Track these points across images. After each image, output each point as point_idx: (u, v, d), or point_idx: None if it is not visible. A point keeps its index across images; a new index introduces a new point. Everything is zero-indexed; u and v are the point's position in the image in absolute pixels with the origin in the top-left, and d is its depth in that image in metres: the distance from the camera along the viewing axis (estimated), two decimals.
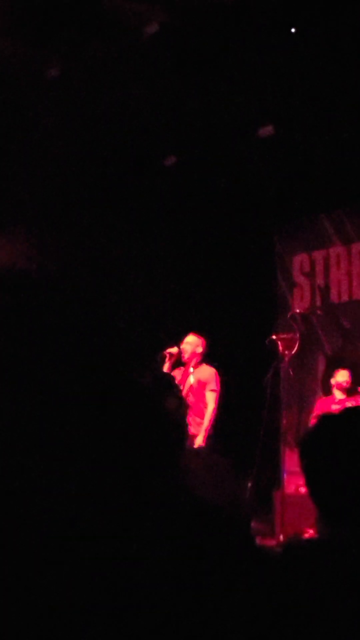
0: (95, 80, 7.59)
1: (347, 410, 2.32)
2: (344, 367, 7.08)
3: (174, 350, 6.51)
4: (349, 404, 6.84)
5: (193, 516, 1.45)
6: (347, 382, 6.94)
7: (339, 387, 6.96)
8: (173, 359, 6.51)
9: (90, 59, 7.44)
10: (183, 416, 5.79)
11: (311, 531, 6.37)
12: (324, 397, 7.19)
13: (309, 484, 1.86)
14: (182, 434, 2.27)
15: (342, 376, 6.97)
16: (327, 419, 2.03)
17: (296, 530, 6.50)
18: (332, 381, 7.03)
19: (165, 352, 6.49)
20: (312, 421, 6.95)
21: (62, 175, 8.41)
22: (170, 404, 2.42)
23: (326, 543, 1.82)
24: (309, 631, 1.53)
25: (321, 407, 7.09)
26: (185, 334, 6.63)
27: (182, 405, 5.83)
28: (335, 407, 6.77)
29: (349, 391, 6.94)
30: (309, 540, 2.12)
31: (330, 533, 1.88)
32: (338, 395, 6.99)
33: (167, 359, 6.48)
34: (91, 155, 8.29)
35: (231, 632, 1.22)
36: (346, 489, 1.81)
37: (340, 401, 6.94)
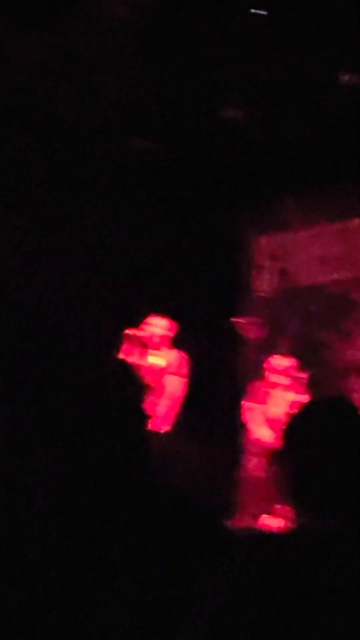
0: (64, 62, 7.48)
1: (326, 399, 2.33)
2: (283, 353, 7.31)
3: (137, 332, 6.49)
4: (288, 388, 7.01)
5: (162, 501, 1.42)
6: (287, 366, 7.12)
7: (277, 371, 7.11)
8: (136, 342, 6.48)
9: (53, 39, 7.33)
10: (143, 402, 5.77)
11: (273, 514, 6.42)
12: (258, 381, 7.25)
13: (284, 474, 1.87)
14: (143, 419, 2.26)
15: (282, 360, 7.14)
16: (307, 409, 2.04)
17: (259, 511, 6.54)
18: (270, 365, 7.17)
19: (128, 335, 6.46)
20: (248, 406, 7.08)
21: (25, 151, 8.29)
22: (132, 390, 2.39)
23: (298, 532, 1.82)
24: (277, 619, 1.52)
25: (257, 390, 7.17)
26: (149, 317, 6.61)
27: (143, 392, 5.81)
28: (271, 390, 6.99)
29: (287, 375, 7.10)
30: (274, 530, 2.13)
31: (302, 523, 1.88)
32: (276, 379, 7.13)
33: (130, 342, 6.45)
34: (52, 136, 8.18)
35: (202, 618, 1.20)
36: (319, 479, 1.82)
37: (278, 385, 7.08)
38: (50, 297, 8.05)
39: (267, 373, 7.17)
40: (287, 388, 6.99)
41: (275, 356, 7.19)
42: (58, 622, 1.09)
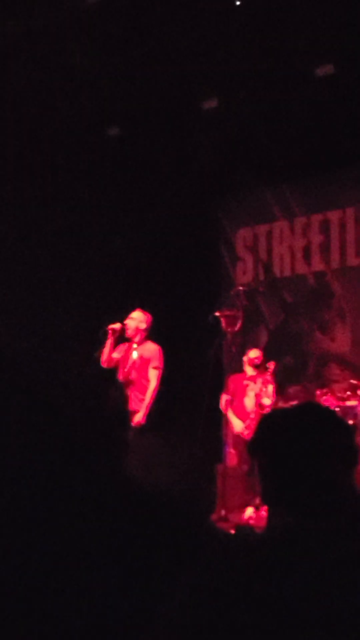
0: (37, 48, 7.43)
1: (298, 407, 2.36)
2: (254, 347, 7.38)
3: (117, 326, 6.48)
4: (259, 380, 7.09)
5: (141, 497, 1.44)
6: (258, 359, 7.19)
7: (251, 363, 7.18)
8: (116, 335, 6.48)
9: (31, 26, 7.27)
10: (124, 404, 5.80)
11: (252, 508, 6.48)
12: (235, 374, 7.31)
13: (261, 474, 1.88)
14: (124, 421, 2.29)
15: (254, 353, 7.22)
16: (277, 414, 2.05)
17: (238, 503, 6.59)
18: (245, 358, 7.24)
19: (108, 328, 6.45)
20: (222, 399, 7.15)
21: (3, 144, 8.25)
22: (112, 393, 2.42)
23: (276, 533, 1.83)
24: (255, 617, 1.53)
25: (234, 383, 7.23)
26: (129, 310, 6.59)
27: (123, 395, 5.83)
28: (246, 382, 7.10)
29: (259, 367, 7.18)
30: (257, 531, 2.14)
31: (278, 523, 1.89)
32: (249, 371, 7.20)
33: (109, 335, 6.45)
34: (34, 126, 8.13)
35: (181, 614, 1.22)
36: (294, 480, 1.83)
37: (251, 377, 7.16)
38: (31, 293, 8.04)
39: (243, 366, 7.24)
40: (258, 380, 7.09)
41: (250, 350, 7.26)
42: (39, 615, 1.11)
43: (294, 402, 7.29)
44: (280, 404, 7.06)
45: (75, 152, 8.46)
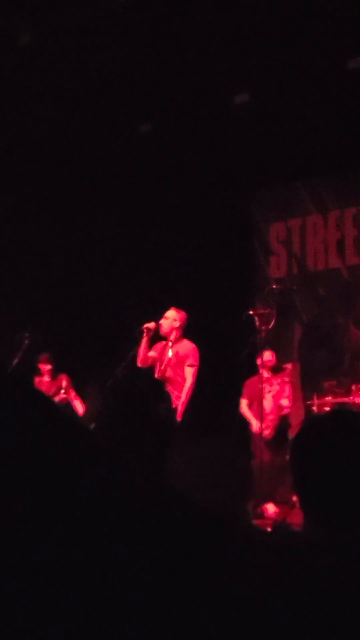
0: (68, 47, 7.47)
1: (335, 412, 2.36)
2: (268, 349, 7.34)
3: (151, 325, 6.52)
4: (275, 382, 7.14)
5: (185, 515, 1.47)
6: (270, 361, 7.22)
7: (265, 365, 7.19)
8: (150, 334, 6.53)
9: (63, 25, 7.31)
10: (173, 420, 5.86)
11: (281, 505, 6.50)
12: (251, 377, 7.33)
13: (297, 484, 1.89)
14: (169, 435, 2.35)
15: (267, 356, 7.24)
16: (315, 421, 2.05)
17: (269, 498, 6.61)
18: (259, 361, 7.25)
19: (143, 327, 6.50)
20: (242, 403, 7.21)
21: (36, 141, 8.31)
22: (162, 409, 2.46)
23: (314, 543, 1.84)
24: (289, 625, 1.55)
25: (250, 386, 7.27)
26: (164, 309, 6.64)
27: (172, 411, 5.89)
28: (263, 385, 7.08)
29: (275, 369, 7.22)
30: (296, 534, 2.13)
31: (318, 533, 1.89)
32: (265, 374, 7.21)
33: (144, 334, 6.50)
34: (65, 123, 8.18)
35: (223, 621, 1.25)
36: (334, 491, 1.83)
37: (267, 379, 7.18)
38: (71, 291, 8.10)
39: (259, 368, 7.26)
40: (274, 382, 7.14)
41: (265, 352, 7.23)
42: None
43: (329, 397, 7.30)
44: (315, 399, 7.07)
45: (107, 148, 8.51)
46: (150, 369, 6.57)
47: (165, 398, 5.90)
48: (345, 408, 6.58)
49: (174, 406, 6.41)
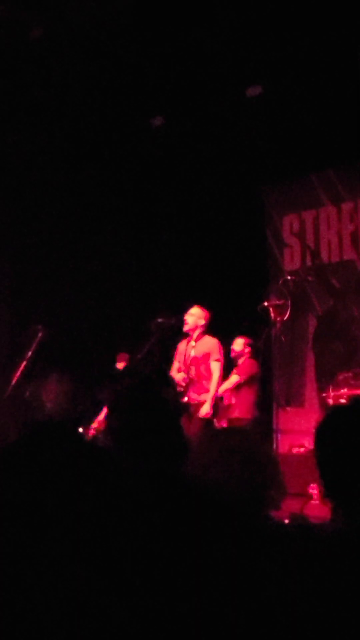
0: (80, 40, 7.46)
1: (355, 401, 2.34)
2: (240, 336, 7.26)
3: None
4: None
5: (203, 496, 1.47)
6: (233, 351, 7.14)
7: (232, 353, 7.17)
8: (165, 329, 6.54)
9: (74, 18, 7.30)
10: (179, 404, 5.87)
11: (311, 491, 6.49)
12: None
13: (322, 474, 1.88)
14: (179, 421, 2.36)
15: (237, 345, 7.19)
16: (336, 411, 2.05)
17: (291, 491, 6.60)
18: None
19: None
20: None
21: (48, 134, 8.32)
22: (168, 393, 2.46)
23: (340, 531, 1.83)
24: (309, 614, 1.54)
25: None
26: (182, 305, 6.66)
27: (178, 394, 5.90)
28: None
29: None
30: (318, 525, 2.12)
31: (344, 522, 1.88)
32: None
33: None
34: (77, 116, 8.19)
35: (236, 607, 1.25)
36: (355, 479, 1.82)
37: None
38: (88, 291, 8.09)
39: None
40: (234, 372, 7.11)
41: (236, 339, 7.17)
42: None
43: (344, 389, 7.28)
44: (331, 391, 7.05)
45: (120, 141, 8.50)
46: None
47: (171, 383, 5.91)
48: None
49: (192, 401, 6.43)
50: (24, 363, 6.45)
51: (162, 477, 1.70)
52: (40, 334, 7.30)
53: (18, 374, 6.32)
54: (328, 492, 1.89)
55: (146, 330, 6.45)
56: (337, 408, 2.14)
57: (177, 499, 1.41)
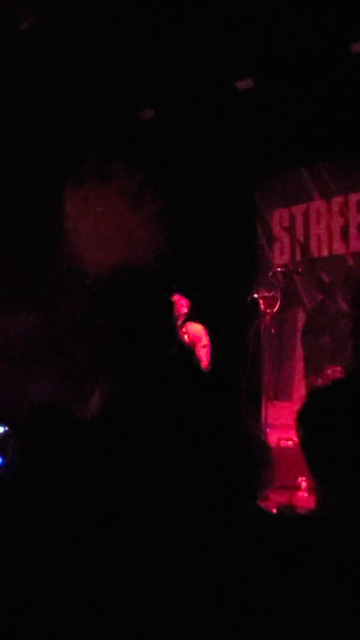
0: (69, 33, 7.43)
1: (334, 382, 2.33)
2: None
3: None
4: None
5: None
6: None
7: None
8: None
9: (63, 9, 7.26)
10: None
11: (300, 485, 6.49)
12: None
13: (306, 456, 1.86)
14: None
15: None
16: (316, 393, 2.03)
17: (278, 482, 6.59)
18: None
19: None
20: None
21: (36, 128, 8.28)
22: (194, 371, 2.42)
23: (325, 515, 1.82)
24: (299, 601, 1.53)
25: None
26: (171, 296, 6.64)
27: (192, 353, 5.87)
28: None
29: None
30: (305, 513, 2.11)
31: (329, 505, 1.87)
32: None
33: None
34: (67, 108, 8.15)
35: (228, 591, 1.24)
36: (341, 460, 1.81)
37: None
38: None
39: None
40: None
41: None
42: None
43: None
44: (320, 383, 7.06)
45: (109, 135, 8.47)
46: None
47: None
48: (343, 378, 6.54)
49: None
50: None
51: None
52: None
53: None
54: (312, 469, 1.88)
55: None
56: (315, 391, 2.13)
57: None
